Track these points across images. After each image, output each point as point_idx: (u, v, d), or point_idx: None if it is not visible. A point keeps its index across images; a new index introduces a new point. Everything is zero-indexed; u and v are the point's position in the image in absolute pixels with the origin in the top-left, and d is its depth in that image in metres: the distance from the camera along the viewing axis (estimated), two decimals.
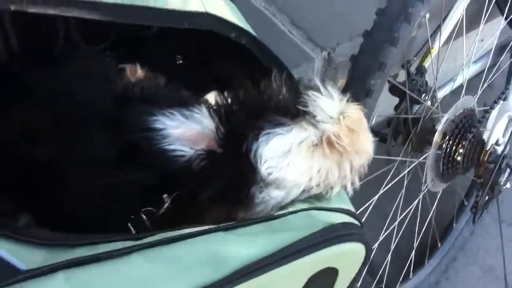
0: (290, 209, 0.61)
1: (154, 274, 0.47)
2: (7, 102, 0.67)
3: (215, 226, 0.54)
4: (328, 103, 0.63)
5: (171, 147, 0.62)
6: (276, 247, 0.52)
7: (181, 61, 0.90)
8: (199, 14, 0.74)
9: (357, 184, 0.68)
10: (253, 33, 0.80)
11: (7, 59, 0.81)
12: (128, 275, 0.47)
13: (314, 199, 0.64)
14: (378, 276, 1.29)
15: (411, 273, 1.42)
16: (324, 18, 1.42)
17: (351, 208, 0.65)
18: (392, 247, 1.25)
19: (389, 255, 1.29)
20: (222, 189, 0.62)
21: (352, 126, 0.63)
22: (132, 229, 0.61)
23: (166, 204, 0.62)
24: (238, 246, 0.52)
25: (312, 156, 0.63)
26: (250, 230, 0.55)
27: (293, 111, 0.64)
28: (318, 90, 0.65)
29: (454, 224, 1.56)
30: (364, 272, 0.69)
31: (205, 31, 0.79)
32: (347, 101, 0.65)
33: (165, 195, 0.62)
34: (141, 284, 0.46)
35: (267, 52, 0.79)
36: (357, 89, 0.89)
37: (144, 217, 0.61)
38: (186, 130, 0.63)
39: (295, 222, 0.57)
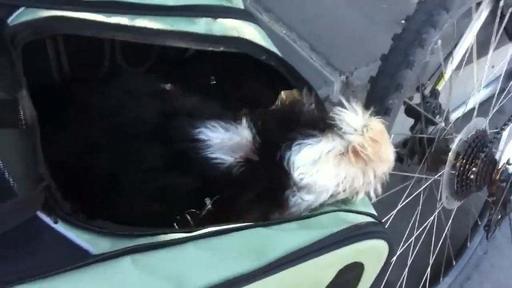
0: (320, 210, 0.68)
1: (205, 260, 0.54)
2: (65, 119, 0.75)
3: (255, 223, 0.61)
4: (353, 117, 0.71)
5: (213, 155, 0.70)
6: (310, 241, 0.59)
7: (214, 82, 0.98)
8: (234, 38, 0.83)
9: (380, 191, 0.75)
10: (280, 55, 0.89)
11: (58, 79, 0.90)
12: (183, 260, 0.54)
13: (341, 203, 0.71)
14: None
15: None
16: (342, 44, 1.51)
17: (373, 212, 0.71)
18: (409, 262, 1.30)
19: (405, 271, 1.33)
20: (259, 192, 0.69)
21: (375, 137, 0.70)
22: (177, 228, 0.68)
23: (208, 206, 0.69)
24: (277, 240, 0.58)
25: (339, 164, 0.70)
26: (286, 227, 0.62)
27: (322, 124, 0.71)
28: (343, 106, 0.72)
29: (468, 243, 1.61)
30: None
31: (236, 54, 0.87)
32: (370, 115, 0.72)
33: (207, 199, 0.70)
34: (194, 267, 0.53)
35: (294, 72, 0.87)
36: (376, 108, 0.96)
37: (188, 217, 0.68)
38: (227, 141, 0.70)
39: (325, 221, 0.64)
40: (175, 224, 0.68)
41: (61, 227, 0.54)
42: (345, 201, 0.72)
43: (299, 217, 0.65)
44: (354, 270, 0.64)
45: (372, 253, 0.65)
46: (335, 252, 0.60)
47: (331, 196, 0.70)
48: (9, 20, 0.70)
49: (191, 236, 0.56)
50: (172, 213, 0.68)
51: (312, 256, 0.58)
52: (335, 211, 0.67)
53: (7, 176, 0.56)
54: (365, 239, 0.63)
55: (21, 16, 0.72)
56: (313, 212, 0.68)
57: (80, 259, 0.51)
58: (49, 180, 0.55)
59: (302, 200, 0.69)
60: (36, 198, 0.54)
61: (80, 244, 0.53)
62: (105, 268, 0.51)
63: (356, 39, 1.54)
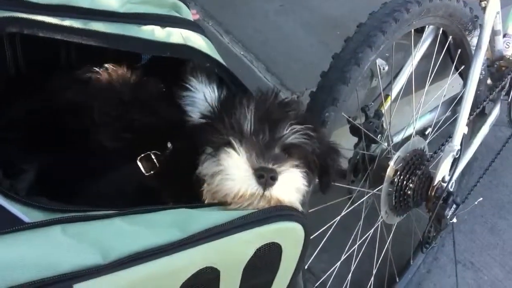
0: None
1: (130, 232, 0.60)
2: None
3: (182, 205, 0.67)
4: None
5: (188, 108, 0.81)
6: (228, 219, 0.65)
7: (164, 90, 1.05)
8: (180, 45, 0.90)
9: None
10: (224, 63, 0.96)
11: (14, 75, 0.96)
12: (110, 231, 0.59)
13: None
14: None
15: None
16: (296, 67, 1.61)
17: None
18: (352, 268, 1.36)
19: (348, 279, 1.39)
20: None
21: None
22: (141, 167, 0.79)
23: (169, 148, 0.79)
24: (200, 216, 0.64)
25: None
26: (208, 209, 0.69)
27: None
28: None
29: (412, 261, 1.68)
30: None
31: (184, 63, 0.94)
32: None
33: (168, 142, 0.80)
34: (119, 237, 0.59)
35: (234, 79, 0.94)
36: (315, 119, 1.04)
37: (153, 156, 0.79)
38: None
39: None
40: (138, 163, 0.78)
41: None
42: None
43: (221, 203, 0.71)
44: (272, 251, 0.69)
45: (288, 235, 0.70)
46: (252, 231, 0.65)
47: None
48: None
49: (119, 212, 0.62)
50: (138, 147, 0.78)
51: (230, 232, 0.64)
52: None
53: None
54: (281, 220, 0.68)
55: None
56: None
57: (14, 226, 0.56)
58: None
59: None
60: None
61: (15, 213, 0.58)
62: (36, 234, 0.56)
63: (311, 63, 1.64)
